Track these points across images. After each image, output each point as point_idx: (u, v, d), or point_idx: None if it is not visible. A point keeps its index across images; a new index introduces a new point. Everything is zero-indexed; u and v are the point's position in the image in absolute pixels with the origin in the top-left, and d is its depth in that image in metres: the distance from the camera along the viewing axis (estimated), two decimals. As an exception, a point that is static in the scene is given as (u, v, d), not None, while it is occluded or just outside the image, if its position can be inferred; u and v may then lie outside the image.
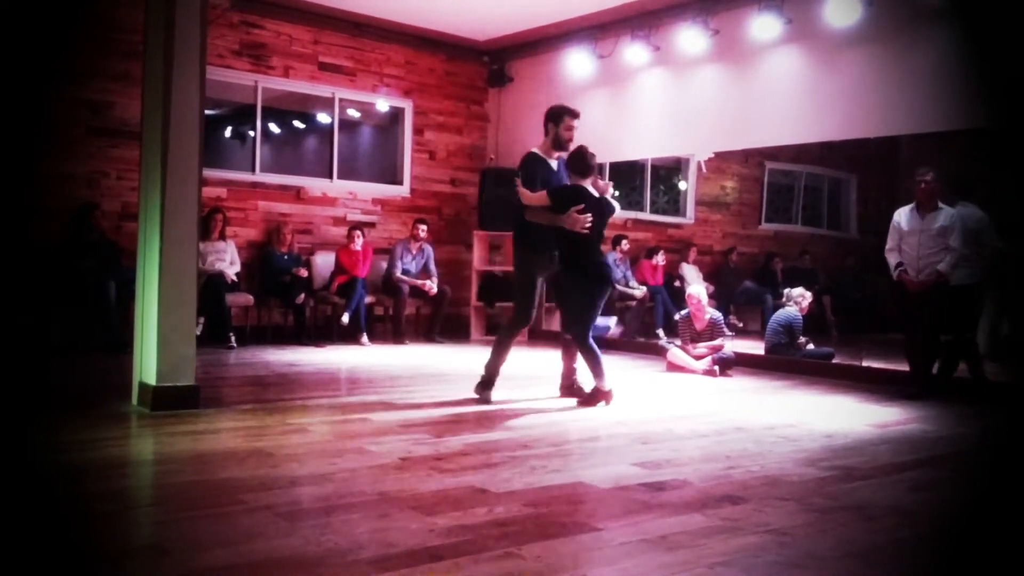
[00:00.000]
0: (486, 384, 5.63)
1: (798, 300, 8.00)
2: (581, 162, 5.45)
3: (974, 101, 6.49)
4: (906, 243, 6.41)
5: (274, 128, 9.97)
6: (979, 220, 6.67)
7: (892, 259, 6.50)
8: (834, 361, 7.72)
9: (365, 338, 8.70)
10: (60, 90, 7.75)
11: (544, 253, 5.55)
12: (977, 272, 6.58)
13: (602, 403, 5.48)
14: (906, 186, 6.97)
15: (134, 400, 4.98)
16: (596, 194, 5.48)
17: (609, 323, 9.37)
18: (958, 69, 6.56)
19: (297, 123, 10.67)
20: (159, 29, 4.94)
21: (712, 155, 10.44)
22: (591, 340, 5.45)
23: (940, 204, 6.36)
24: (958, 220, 6.31)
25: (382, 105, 10.06)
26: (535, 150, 5.75)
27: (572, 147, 5.65)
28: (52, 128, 7.71)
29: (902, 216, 6.49)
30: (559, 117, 5.72)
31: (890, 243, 6.54)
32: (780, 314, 8.07)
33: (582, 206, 5.28)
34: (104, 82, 7.96)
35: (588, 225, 5.28)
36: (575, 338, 5.52)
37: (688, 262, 11.37)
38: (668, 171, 12.61)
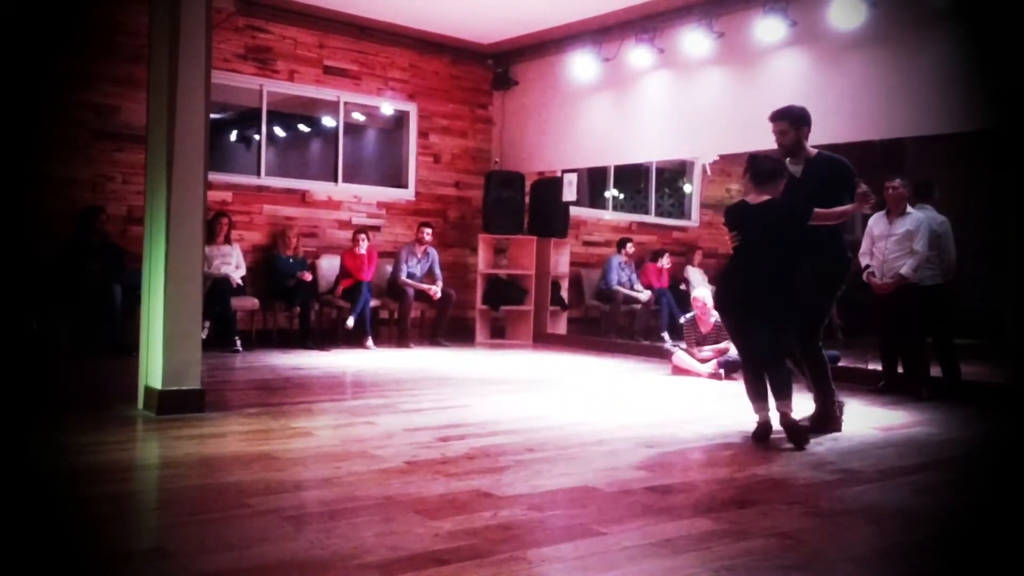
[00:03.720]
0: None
1: (803, 303, 7.96)
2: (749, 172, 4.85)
3: (979, 103, 6.48)
4: (876, 247, 6.71)
5: (279, 132, 9.98)
6: (941, 223, 6.76)
7: (863, 262, 6.78)
8: (840, 364, 7.69)
9: (370, 342, 8.70)
10: (65, 94, 7.77)
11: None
12: (940, 274, 6.74)
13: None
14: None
15: (139, 404, 4.99)
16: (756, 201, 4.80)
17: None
18: (963, 71, 6.55)
19: (302, 127, 10.68)
20: (164, 33, 4.95)
21: (717, 158, 10.44)
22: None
23: (909, 209, 6.62)
24: (924, 224, 6.52)
25: (387, 108, 10.07)
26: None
27: (781, 151, 5.09)
28: (57, 132, 7.74)
29: (874, 222, 6.78)
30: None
31: (864, 247, 6.85)
32: (785, 317, 8.03)
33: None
34: (109, 86, 7.99)
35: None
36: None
37: (693, 265, 11.36)
38: (673, 174, 12.61)
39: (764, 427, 4.68)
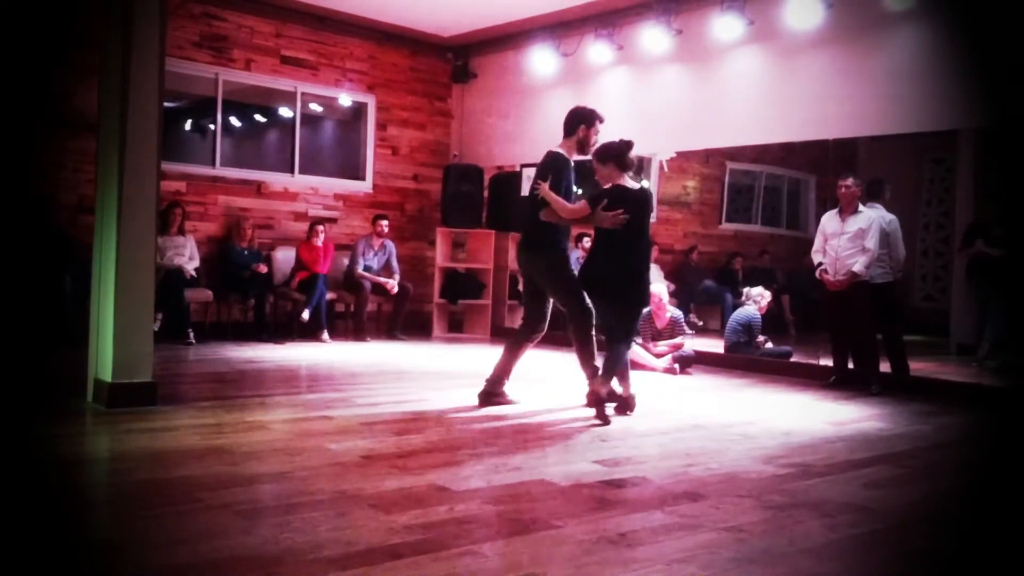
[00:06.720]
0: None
1: (757, 299, 8.08)
2: (625, 157, 5.37)
3: (932, 104, 6.60)
4: (829, 245, 6.81)
5: (235, 122, 9.84)
6: (890, 222, 6.91)
7: (816, 259, 6.90)
8: (792, 359, 7.82)
9: (326, 335, 8.64)
10: (16, 80, 7.58)
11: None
12: (890, 272, 6.90)
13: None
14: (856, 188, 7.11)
15: (89, 397, 4.90)
16: (635, 187, 5.31)
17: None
18: (916, 72, 6.67)
19: (258, 117, 10.55)
20: (117, 18, 4.86)
21: (674, 155, 10.51)
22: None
23: (861, 208, 6.73)
24: (875, 222, 6.66)
25: (345, 100, 10.00)
26: (560, 151, 5.52)
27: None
28: (7, 118, 7.54)
29: (827, 220, 6.89)
30: (592, 120, 5.54)
31: (816, 244, 6.96)
32: (739, 313, 8.15)
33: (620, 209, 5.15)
34: (60, 72, 7.80)
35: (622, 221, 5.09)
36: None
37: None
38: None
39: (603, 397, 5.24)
